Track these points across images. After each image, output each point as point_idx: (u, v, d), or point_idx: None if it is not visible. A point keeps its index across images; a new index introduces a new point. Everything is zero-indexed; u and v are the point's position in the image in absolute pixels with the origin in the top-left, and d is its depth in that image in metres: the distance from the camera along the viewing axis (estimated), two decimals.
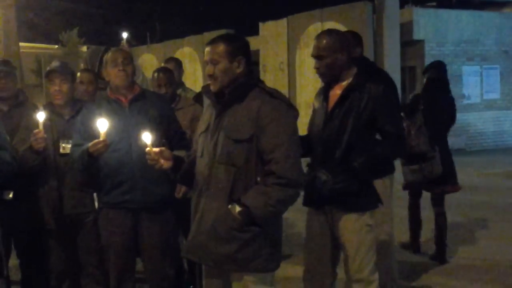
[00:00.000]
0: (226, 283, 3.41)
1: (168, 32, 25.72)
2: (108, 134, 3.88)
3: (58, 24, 27.32)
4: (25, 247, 4.76)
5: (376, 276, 3.94)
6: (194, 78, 20.69)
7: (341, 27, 12.56)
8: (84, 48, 26.39)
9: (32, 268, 4.81)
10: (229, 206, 3.20)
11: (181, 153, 3.74)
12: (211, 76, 3.30)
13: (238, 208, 3.17)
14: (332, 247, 3.97)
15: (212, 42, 3.33)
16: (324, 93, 3.98)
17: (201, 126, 3.49)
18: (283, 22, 18.68)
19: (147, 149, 3.39)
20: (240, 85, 3.29)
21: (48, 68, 4.47)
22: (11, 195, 4.46)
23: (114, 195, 4.20)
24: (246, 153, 3.20)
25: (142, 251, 4.36)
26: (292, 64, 18.43)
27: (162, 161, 3.44)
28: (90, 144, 3.93)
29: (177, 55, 19.82)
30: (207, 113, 3.50)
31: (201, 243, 3.30)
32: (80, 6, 28.08)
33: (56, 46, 27.06)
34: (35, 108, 4.62)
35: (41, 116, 3.99)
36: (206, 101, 5.23)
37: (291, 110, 3.29)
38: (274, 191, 3.14)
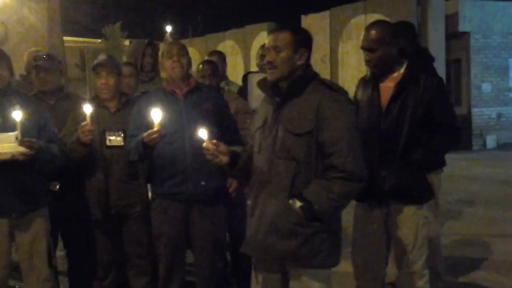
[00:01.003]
0: (284, 279, 3.36)
1: (210, 26, 25.77)
2: (162, 126, 3.90)
3: (101, 18, 27.60)
4: (71, 238, 4.83)
5: (427, 270, 3.88)
6: (235, 72, 20.70)
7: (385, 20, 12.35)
8: (127, 42, 26.56)
9: (78, 259, 4.87)
10: (290, 201, 3.15)
11: (237, 148, 3.67)
12: (271, 64, 3.24)
13: (299, 203, 3.12)
14: (385, 243, 3.93)
15: (277, 29, 3.29)
16: (373, 85, 3.90)
17: (258, 121, 3.45)
18: (325, 14, 18.49)
19: (204, 144, 3.34)
20: (299, 78, 3.24)
21: (95, 62, 4.51)
22: (57, 187, 4.52)
23: (167, 187, 4.23)
24: (306, 147, 3.15)
25: (193, 243, 4.37)
26: (335, 57, 18.25)
27: (220, 156, 3.39)
28: (145, 134, 3.96)
29: (219, 48, 19.84)
30: (263, 107, 3.45)
31: (261, 238, 3.26)
32: (122, 0, 28.34)
33: (99, 40, 27.33)
34: (82, 101, 4.66)
35: (88, 109, 4.02)
36: (255, 94, 5.24)
37: (351, 103, 3.25)
38: (336, 185, 3.08)
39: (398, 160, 3.73)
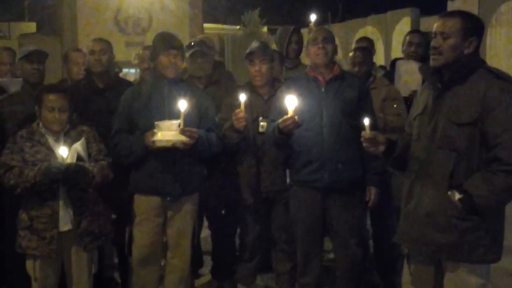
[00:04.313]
0: (438, 271, 3.28)
1: (350, 11, 25.47)
2: (301, 112, 3.91)
3: (240, 5, 28.08)
4: (217, 220, 4.91)
5: None
6: (375, 59, 20.29)
7: None
8: (265, 29, 26.91)
9: (224, 241, 4.96)
10: (449, 193, 3.06)
11: (393, 136, 3.62)
12: (436, 49, 3.13)
13: (458, 195, 3.02)
14: None
15: (447, 14, 3.16)
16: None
17: (417, 108, 3.36)
18: None
19: (363, 132, 3.33)
20: (464, 65, 3.11)
21: (248, 49, 4.53)
22: (205, 171, 4.59)
23: (304, 174, 4.23)
24: (468, 137, 3.03)
25: (330, 231, 4.36)
26: (483, 44, 17.40)
27: (377, 145, 3.35)
28: (280, 120, 3.96)
29: (359, 34, 19.53)
30: (423, 94, 3.35)
31: (417, 230, 3.20)
32: None
33: (238, 27, 27.83)
34: (233, 87, 4.73)
35: (242, 97, 4.08)
36: (402, 81, 5.07)
37: None
38: (500, 178, 2.94)
39: None
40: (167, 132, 4.02)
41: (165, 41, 4.29)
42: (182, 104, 3.88)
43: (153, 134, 4.05)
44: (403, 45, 5.61)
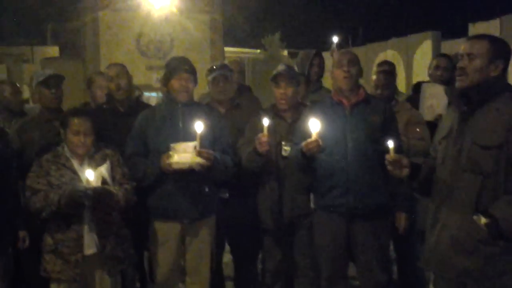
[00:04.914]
0: None
1: (371, 35, 25.49)
2: (325, 136, 3.89)
3: (260, 29, 28.27)
4: (239, 245, 4.90)
5: None
6: (397, 82, 20.21)
7: None
8: (285, 53, 27.03)
9: (245, 265, 4.95)
10: (474, 217, 3.03)
11: (418, 159, 3.60)
12: (462, 70, 3.14)
13: (484, 220, 2.99)
14: None
15: (475, 37, 3.20)
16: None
17: (442, 131, 3.35)
18: (495, 23, 17.57)
19: (387, 155, 3.33)
20: (490, 87, 3.10)
21: (274, 72, 4.53)
22: (227, 194, 4.60)
23: (328, 198, 4.20)
24: (495, 160, 3.01)
25: (354, 257, 4.31)
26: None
27: (402, 168, 3.34)
28: (303, 143, 3.95)
29: (380, 58, 19.51)
30: (449, 117, 3.35)
31: (442, 254, 3.18)
32: (281, 11, 28.87)
33: (258, 50, 27.98)
34: (255, 111, 4.75)
35: (265, 120, 4.07)
36: (427, 105, 5.04)
37: None
38: None
39: None
40: (183, 154, 4.04)
41: (176, 65, 4.34)
42: (199, 126, 3.90)
43: (169, 156, 4.07)
44: (429, 68, 5.60)
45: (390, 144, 3.30)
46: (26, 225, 4.32)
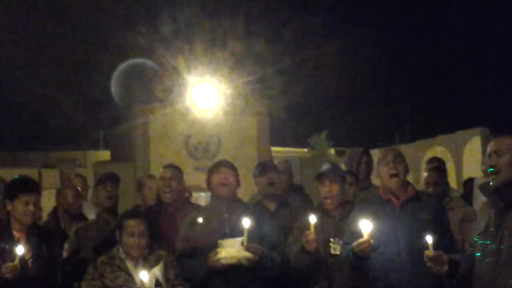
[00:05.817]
0: None
1: (418, 132, 25.47)
2: (376, 235, 3.83)
3: (306, 129, 28.61)
4: None
5: None
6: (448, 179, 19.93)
7: None
8: (332, 151, 27.17)
9: None
10: None
11: (456, 256, 3.55)
12: (494, 167, 3.15)
13: None
14: None
15: (500, 134, 3.24)
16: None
17: (479, 228, 3.32)
18: None
19: (426, 251, 3.33)
20: None
21: (320, 171, 4.54)
22: None
23: None
24: None
25: None
26: None
27: (442, 265, 3.33)
28: (355, 243, 3.88)
29: (428, 155, 19.35)
30: (485, 213, 3.33)
31: None
32: (327, 110, 29.27)
33: (305, 149, 28.21)
34: (303, 209, 4.73)
35: (312, 218, 4.05)
36: (481, 201, 4.94)
37: None
38: None
39: None
40: (231, 249, 4.04)
41: (215, 163, 4.48)
42: (246, 222, 3.94)
43: (217, 253, 4.06)
44: (482, 164, 5.55)
45: (429, 239, 3.32)
46: None
